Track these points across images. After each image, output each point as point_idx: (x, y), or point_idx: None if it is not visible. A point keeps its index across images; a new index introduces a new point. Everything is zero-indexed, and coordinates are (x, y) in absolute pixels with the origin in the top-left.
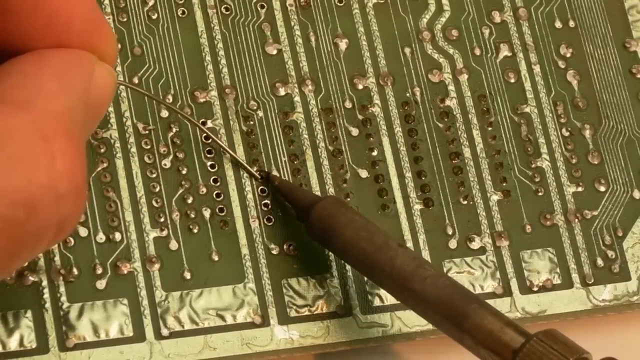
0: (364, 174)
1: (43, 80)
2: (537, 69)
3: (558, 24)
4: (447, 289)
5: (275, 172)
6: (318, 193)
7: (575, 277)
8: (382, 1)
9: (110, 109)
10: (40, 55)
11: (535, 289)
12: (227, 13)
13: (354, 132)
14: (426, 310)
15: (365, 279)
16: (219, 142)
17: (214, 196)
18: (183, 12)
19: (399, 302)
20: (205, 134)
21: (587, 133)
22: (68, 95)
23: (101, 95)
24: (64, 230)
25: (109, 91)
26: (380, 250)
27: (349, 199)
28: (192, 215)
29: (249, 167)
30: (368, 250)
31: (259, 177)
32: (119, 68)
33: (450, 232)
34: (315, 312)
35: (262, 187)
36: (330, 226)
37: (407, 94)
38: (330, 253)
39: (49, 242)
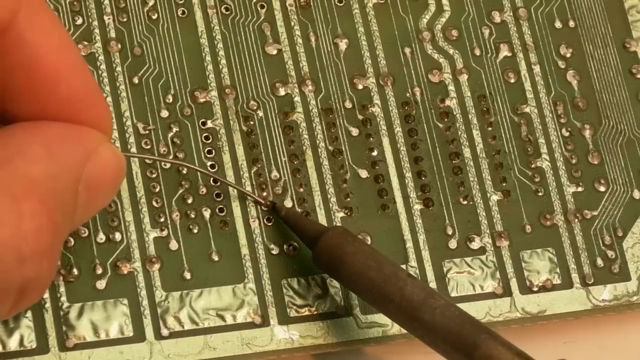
0: (364, 174)
1: (29, 144)
2: (537, 69)
3: (558, 24)
4: (457, 319)
5: (287, 202)
6: (318, 193)
7: (575, 277)
8: (382, 1)
9: (110, 108)
10: (36, 123)
11: (535, 289)
12: (227, 13)
13: (354, 132)
14: (436, 341)
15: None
16: (224, 180)
17: (214, 196)
18: (183, 12)
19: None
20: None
21: (587, 133)
22: (53, 164)
23: (101, 176)
24: (27, 296)
25: (112, 173)
26: (389, 280)
27: (348, 199)
28: (192, 216)
29: (256, 197)
30: (377, 280)
31: (266, 205)
32: (119, 68)
33: (450, 232)
34: (315, 312)
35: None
36: (338, 256)
37: (407, 94)
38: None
39: (10, 308)
